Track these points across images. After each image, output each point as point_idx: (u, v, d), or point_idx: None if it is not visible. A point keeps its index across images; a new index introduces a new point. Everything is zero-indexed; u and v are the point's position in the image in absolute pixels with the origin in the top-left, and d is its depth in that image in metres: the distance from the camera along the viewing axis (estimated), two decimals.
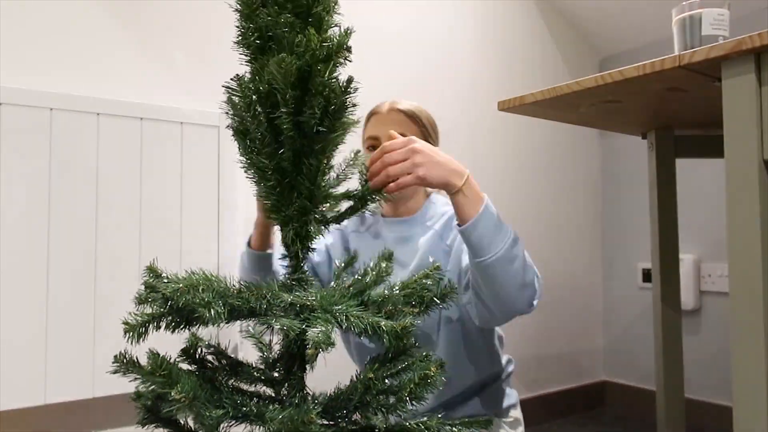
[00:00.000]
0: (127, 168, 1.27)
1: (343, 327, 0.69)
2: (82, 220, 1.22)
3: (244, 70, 0.78)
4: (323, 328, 0.65)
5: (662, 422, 1.32)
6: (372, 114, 1.21)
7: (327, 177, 0.81)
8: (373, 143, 1.18)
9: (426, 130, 1.20)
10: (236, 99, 0.76)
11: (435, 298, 0.79)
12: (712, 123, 1.22)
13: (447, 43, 2.02)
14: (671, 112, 1.18)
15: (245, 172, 0.79)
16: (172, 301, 0.70)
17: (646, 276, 2.25)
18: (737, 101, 0.78)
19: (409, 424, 0.78)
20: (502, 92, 1.33)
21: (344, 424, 0.75)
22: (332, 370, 0.90)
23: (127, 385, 1.25)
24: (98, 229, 1.23)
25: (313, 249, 0.83)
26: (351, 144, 0.85)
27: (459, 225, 0.92)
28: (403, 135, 0.97)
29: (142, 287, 0.77)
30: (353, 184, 0.86)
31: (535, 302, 0.97)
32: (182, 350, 0.84)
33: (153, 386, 0.72)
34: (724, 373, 2.00)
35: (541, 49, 2.28)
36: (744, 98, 0.77)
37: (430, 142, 1.16)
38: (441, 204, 1.22)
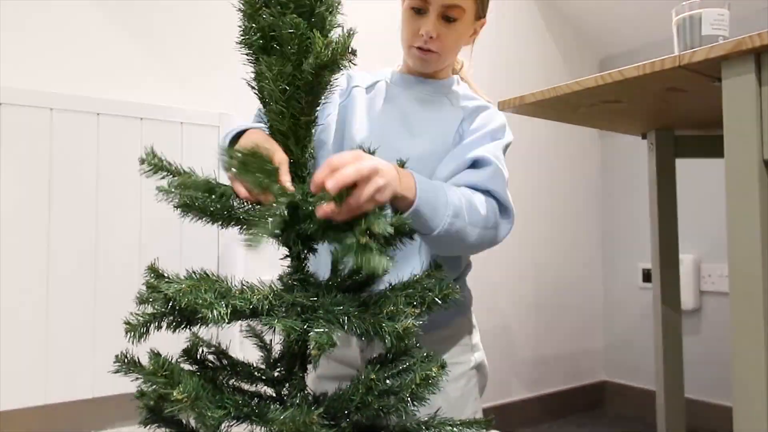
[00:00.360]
0: (127, 168, 1.27)
1: (345, 328, 0.68)
2: (83, 220, 1.22)
3: (246, 70, 0.78)
4: (325, 329, 0.65)
5: (662, 422, 1.32)
6: None
7: None
8: (420, 6, 1.04)
9: (479, 3, 1.09)
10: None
11: (437, 299, 0.77)
12: (712, 123, 1.22)
13: None
14: (671, 112, 1.18)
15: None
16: (174, 302, 0.70)
17: (646, 276, 2.25)
18: (737, 101, 0.78)
19: (410, 424, 0.78)
20: (502, 92, 1.33)
21: (345, 425, 0.75)
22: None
23: (128, 385, 1.25)
24: (98, 229, 1.23)
25: (315, 249, 0.81)
26: None
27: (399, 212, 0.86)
28: (455, 10, 1.02)
29: (144, 287, 0.77)
30: None
31: (500, 239, 1.04)
32: (183, 350, 0.84)
33: (154, 386, 0.71)
34: (724, 373, 1.99)
35: (541, 49, 2.28)
36: (744, 98, 0.77)
37: (481, 16, 1.12)
38: (465, 88, 1.19)
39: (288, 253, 0.81)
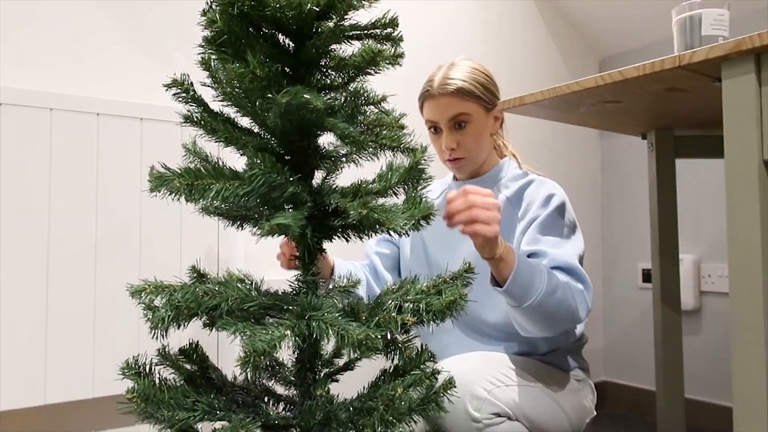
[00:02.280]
0: (127, 168, 1.27)
1: (312, 332, 0.68)
2: (82, 220, 1.21)
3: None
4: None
5: (662, 422, 1.32)
6: (426, 97, 1.24)
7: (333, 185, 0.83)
8: (433, 125, 1.24)
9: (484, 99, 1.22)
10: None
11: (444, 309, 0.76)
12: (712, 123, 1.22)
13: (446, 43, 2.02)
14: (671, 112, 1.18)
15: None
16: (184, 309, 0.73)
17: (646, 276, 2.25)
18: (737, 101, 0.78)
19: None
20: (502, 92, 1.33)
21: None
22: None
23: (127, 385, 1.25)
24: (98, 229, 1.23)
25: (323, 250, 0.85)
26: None
27: (497, 285, 0.99)
28: (461, 117, 1.18)
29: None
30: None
31: (583, 317, 1.14)
32: (180, 349, 0.86)
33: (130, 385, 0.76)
34: (724, 373, 2.00)
35: (541, 49, 2.28)
36: (744, 98, 0.77)
37: (491, 107, 1.24)
38: (513, 167, 1.29)
39: (298, 254, 0.82)
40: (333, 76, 0.80)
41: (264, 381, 0.86)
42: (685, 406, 1.35)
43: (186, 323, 0.74)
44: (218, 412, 0.73)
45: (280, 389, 0.87)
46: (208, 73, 0.77)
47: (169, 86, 0.80)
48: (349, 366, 0.88)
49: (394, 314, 0.73)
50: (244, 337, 0.66)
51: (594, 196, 2.43)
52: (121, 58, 1.37)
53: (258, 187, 0.69)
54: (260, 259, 1.51)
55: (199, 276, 0.88)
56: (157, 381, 0.77)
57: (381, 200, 0.77)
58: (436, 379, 0.79)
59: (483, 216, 0.93)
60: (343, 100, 0.78)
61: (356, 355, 0.77)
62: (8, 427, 1.18)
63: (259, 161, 0.70)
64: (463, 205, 0.94)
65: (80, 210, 1.22)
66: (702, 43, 0.92)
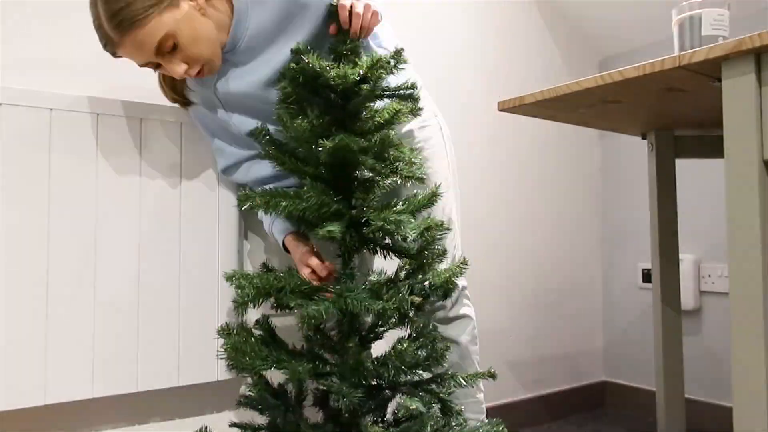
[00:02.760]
0: (127, 168, 1.27)
1: (347, 307, 0.97)
2: (82, 220, 1.21)
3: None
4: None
5: (662, 422, 1.32)
6: (109, 47, 1.07)
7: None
8: (153, 67, 1.11)
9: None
10: None
11: (443, 285, 1.08)
12: (712, 123, 1.22)
13: (446, 42, 2.02)
14: (671, 112, 1.18)
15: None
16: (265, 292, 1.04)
17: (646, 276, 2.25)
18: (737, 101, 0.78)
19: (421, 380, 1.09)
20: (502, 92, 1.33)
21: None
22: None
23: (128, 385, 1.26)
24: (98, 229, 1.23)
25: (360, 251, 1.11)
26: None
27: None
28: (164, 42, 1.04)
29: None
30: None
31: None
32: (255, 320, 1.17)
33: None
34: (724, 373, 2.00)
35: (541, 49, 2.28)
36: (744, 98, 0.77)
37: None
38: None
39: (339, 253, 1.09)
40: (369, 124, 1.08)
41: (315, 350, 1.13)
42: (685, 406, 1.35)
43: (261, 301, 1.04)
44: (283, 362, 1.02)
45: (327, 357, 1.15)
46: (282, 123, 1.08)
47: (251, 133, 1.13)
48: (378, 336, 1.13)
49: (406, 295, 1.01)
50: (300, 308, 0.96)
51: (594, 196, 2.43)
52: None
53: (312, 205, 1.01)
54: (259, 260, 1.51)
55: (267, 269, 1.19)
56: (242, 339, 1.07)
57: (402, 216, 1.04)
58: (435, 343, 1.07)
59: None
60: (373, 143, 1.05)
61: (379, 323, 1.08)
62: (8, 427, 1.19)
63: (313, 186, 1.03)
64: (346, 13, 1.06)
65: (80, 210, 1.22)
66: (702, 43, 0.92)
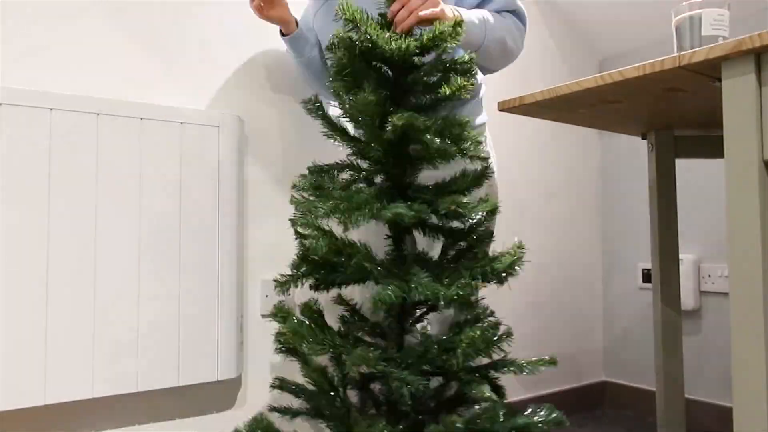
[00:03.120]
0: (126, 168, 1.27)
1: (410, 291, 0.92)
2: (82, 220, 1.21)
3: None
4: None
5: (662, 422, 1.32)
6: None
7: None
8: None
9: None
10: None
11: (505, 270, 1.05)
12: (712, 123, 1.22)
13: None
14: (671, 112, 1.18)
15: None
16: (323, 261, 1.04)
17: (646, 276, 2.25)
18: (737, 101, 0.78)
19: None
20: (501, 92, 1.33)
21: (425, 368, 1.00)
22: None
23: (127, 385, 1.26)
24: (98, 229, 1.23)
25: (410, 233, 1.07)
26: None
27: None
28: None
29: (295, 257, 1.08)
30: None
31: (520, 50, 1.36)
32: (303, 304, 1.13)
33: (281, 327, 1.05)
34: (724, 373, 2.00)
35: (541, 49, 2.28)
36: (744, 98, 0.77)
37: None
38: None
39: (389, 234, 1.06)
40: (424, 100, 1.05)
41: (354, 332, 1.11)
42: (685, 406, 1.35)
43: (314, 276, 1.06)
44: (340, 347, 0.99)
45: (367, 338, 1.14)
46: (338, 98, 1.05)
47: (304, 103, 1.10)
48: (420, 318, 1.12)
49: (469, 279, 0.97)
50: (374, 291, 0.92)
51: (594, 196, 2.43)
52: (121, 58, 1.37)
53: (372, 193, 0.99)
54: (259, 260, 1.52)
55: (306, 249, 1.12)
56: (297, 322, 1.04)
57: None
58: (498, 329, 1.07)
59: (417, 3, 1.03)
60: (436, 120, 1.00)
61: (447, 308, 1.04)
62: (8, 427, 1.19)
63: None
64: (398, 5, 1.05)
65: (80, 209, 1.22)
66: (702, 43, 0.92)
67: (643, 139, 1.41)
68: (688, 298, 2.04)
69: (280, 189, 1.57)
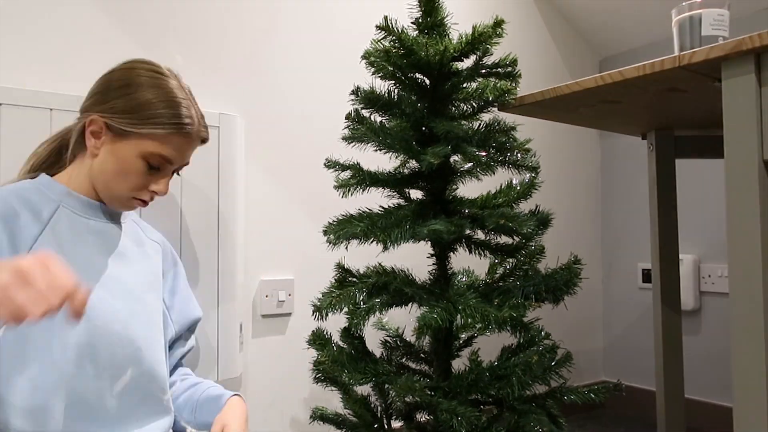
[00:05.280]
0: None
1: (458, 314, 0.84)
2: None
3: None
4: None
5: (662, 422, 1.32)
6: (180, 131, 0.95)
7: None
8: (161, 163, 0.95)
9: None
10: None
11: (562, 287, 0.95)
12: (712, 123, 1.22)
13: None
14: (671, 112, 1.18)
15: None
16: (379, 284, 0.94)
17: (646, 276, 2.25)
18: (737, 101, 0.78)
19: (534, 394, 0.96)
20: None
21: (473, 397, 0.92)
22: None
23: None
24: None
25: (455, 250, 1.01)
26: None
27: None
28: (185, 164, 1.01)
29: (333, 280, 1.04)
30: None
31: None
32: (342, 329, 1.06)
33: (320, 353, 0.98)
34: (724, 373, 2.00)
35: (541, 49, 2.28)
36: (744, 98, 0.77)
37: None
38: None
39: (432, 252, 1.00)
40: (463, 108, 0.96)
41: (398, 358, 1.05)
42: (685, 406, 1.35)
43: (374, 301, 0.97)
44: (383, 376, 0.92)
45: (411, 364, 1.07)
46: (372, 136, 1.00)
47: (348, 117, 1.04)
48: (468, 343, 1.05)
49: (521, 300, 0.88)
50: (419, 314, 0.84)
51: (594, 196, 2.43)
52: (121, 58, 1.37)
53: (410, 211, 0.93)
54: (258, 260, 1.52)
55: (344, 271, 1.08)
56: (336, 349, 0.98)
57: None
58: (555, 353, 0.97)
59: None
60: (476, 128, 0.93)
61: (496, 331, 0.91)
62: None
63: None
64: None
65: None
66: (702, 43, 0.92)
67: (643, 139, 1.41)
68: (688, 298, 2.04)
69: (280, 189, 1.56)
